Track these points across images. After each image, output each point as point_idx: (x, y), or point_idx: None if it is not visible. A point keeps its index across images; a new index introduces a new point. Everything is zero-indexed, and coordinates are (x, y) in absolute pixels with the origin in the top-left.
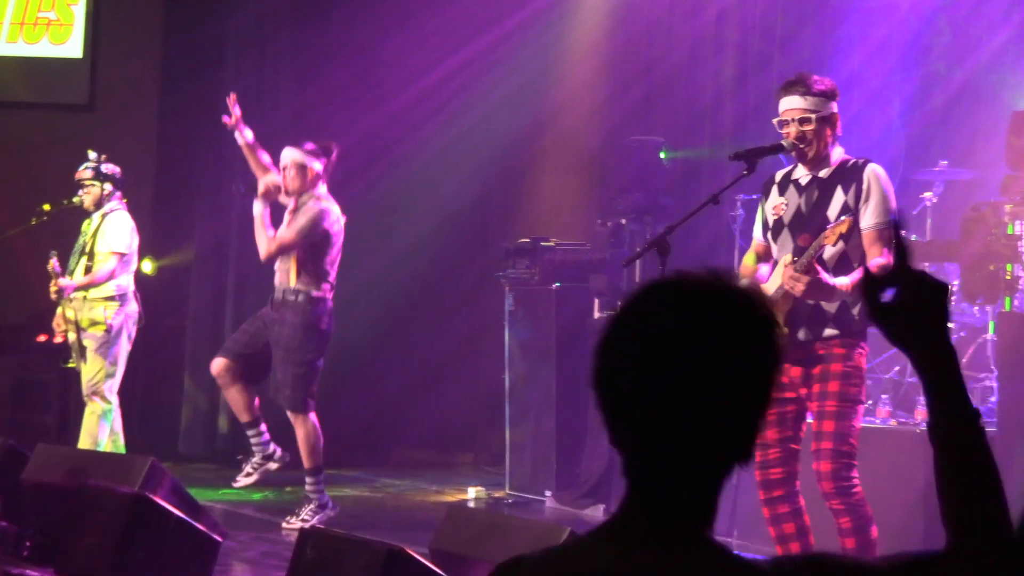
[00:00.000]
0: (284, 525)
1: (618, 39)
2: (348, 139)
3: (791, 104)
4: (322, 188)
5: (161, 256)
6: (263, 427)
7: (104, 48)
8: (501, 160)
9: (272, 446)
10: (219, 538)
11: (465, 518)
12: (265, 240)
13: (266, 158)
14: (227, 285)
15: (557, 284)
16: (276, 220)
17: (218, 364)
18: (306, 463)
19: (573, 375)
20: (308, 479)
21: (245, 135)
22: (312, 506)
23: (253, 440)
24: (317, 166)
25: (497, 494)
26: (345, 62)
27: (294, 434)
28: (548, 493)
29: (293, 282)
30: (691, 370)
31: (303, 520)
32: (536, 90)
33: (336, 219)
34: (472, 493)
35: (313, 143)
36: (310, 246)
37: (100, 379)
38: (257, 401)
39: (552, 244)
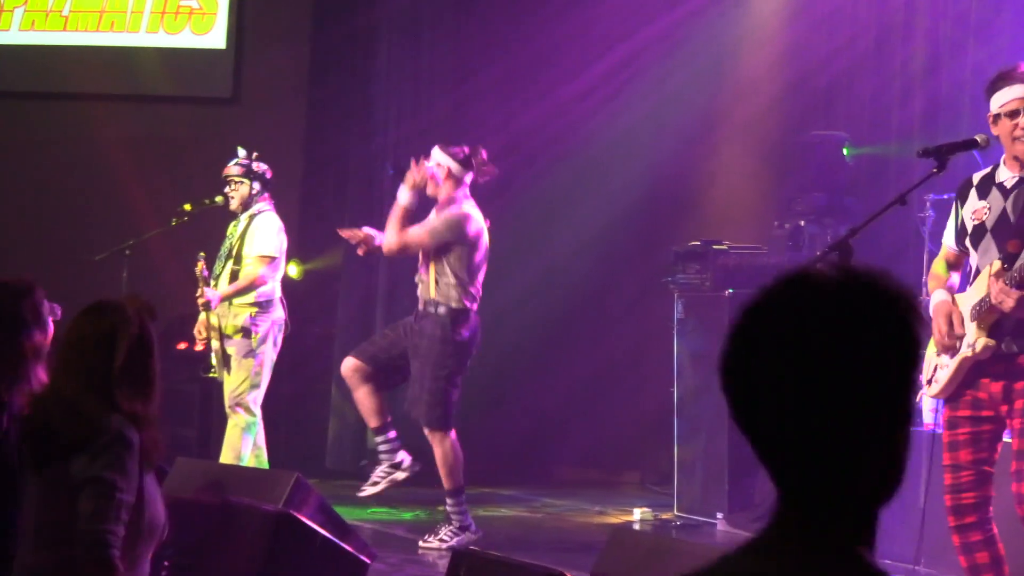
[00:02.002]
0: (421, 543)
1: (797, 27)
2: (507, 134)
3: (1014, 94)
4: (466, 198)
5: (308, 260)
6: (392, 434)
7: (249, 38)
8: (670, 158)
9: (400, 455)
10: (367, 560)
11: (630, 541)
12: (395, 232)
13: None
14: (377, 291)
15: (730, 290)
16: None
17: (348, 364)
18: (446, 484)
19: None
20: (448, 500)
21: (408, 198)
22: (453, 527)
23: (381, 447)
24: (458, 170)
25: (665, 516)
26: (505, 52)
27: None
28: (720, 515)
29: (432, 292)
30: (828, 372)
31: (441, 540)
32: (708, 83)
33: (479, 227)
34: (638, 514)
35: (461, 147)
36: (450, 255)
37: (244, 390)
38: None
39: (725, 247)
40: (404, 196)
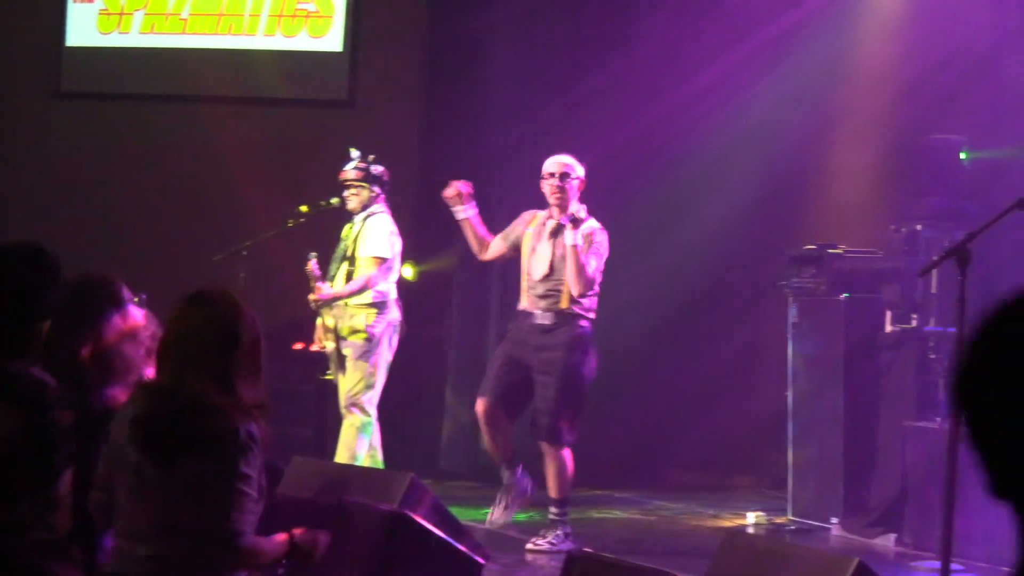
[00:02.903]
0: (529, 546)
1: (915, 29)
2: (621, 137)
3: None
4: (592, 219)
5: (423, 261)
6: (518, 469)
7: (365, 41)
8: (785, 161)
9: (523, 483)
10: (481, 560)
11: (744, 545)
12: (585, 278)
13: (482, 231)
14: (491, 293)
15: (845, 294)
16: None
17: (480, 407)
18: (554, 493)
19: (862, 393)
20: (553, 508)
21: (467, 211)
22: (560, 532)
23: (508, 481)
24: (583, 175)
25: (779, 520)
26: (620, 55)
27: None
28: (834, 520)
29: (565, 303)
30: None
31: (551, 544)
32: (825, 85)
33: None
34: (751, 518)
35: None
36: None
37: (360, 390)
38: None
39: (840, 251)
40: (464, 213)
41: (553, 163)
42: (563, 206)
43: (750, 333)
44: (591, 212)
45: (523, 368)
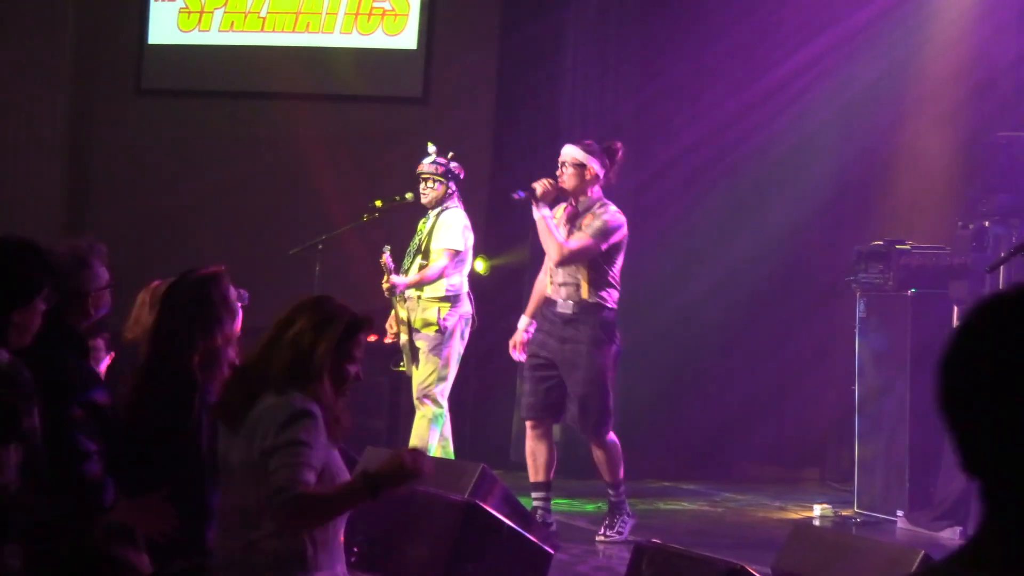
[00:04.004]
0: (599, 537)
1: (985, 26)
2: (693, 134)
3: None
4: (607, 201)
5: (495, 256)
6: (550, 493)
7: (439, 39)
8: (855, 158)
9: (552, 517)
10: (551, 550)
11: (812, 537)
12: (555, 244)
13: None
14: None
15: (913, 290)
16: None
17: (530, 424)
18: (607, 477)
19: (930, 388)
20: (610, 491)
21: (543, 210)
22: (623, 515)
23: (537, 503)
24: (596, 167)
25: (845, 512)
26: (692, 53)
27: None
28: (900, 513)
29: (585, 294)
30: None
31: (619, 532)
32: (894, 84)
33: (625, 227)
34: (818, 511)
35: (596, 143)
36: (601, 255)
37: (432, 382)
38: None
39: (908, 247)
40: (540, 212)
41: (563, 152)
42: (574, 194)
43: (819, 328)
44: (668, 205)
45: (551, 366)
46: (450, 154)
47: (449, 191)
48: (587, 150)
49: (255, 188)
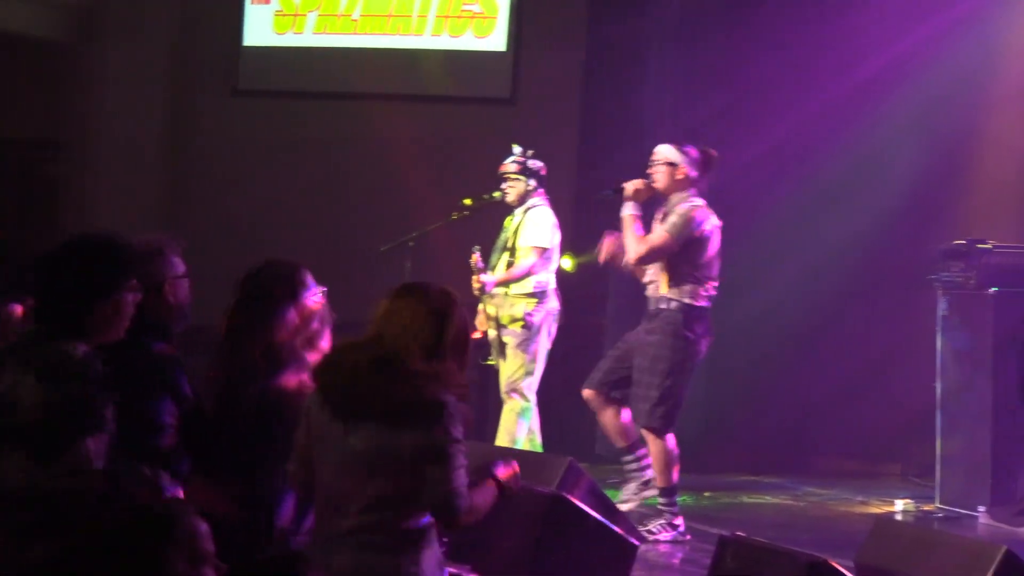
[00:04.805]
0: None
1: None
2: (776, 133)
3: None
4: (696, 196)
5: (581, 253)
6: (642, 451)
7: (527, 41)
8: (937, 157)
9: (649, 472)
10: (636, 542)
11: (893, 531)
12: (634, 241)
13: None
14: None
15: (994, 289)
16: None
17: (585, 395)
18: (658, 481)
19: (1011, 386)
20: (660, 498)
21: (629, 209)
22: (662, 521)
23: (630, 466)
24: (688, 168)
25: (926, 507)
26: (775, 53)
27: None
28: (982, 508)
29: (664, 289)
30: None
31: (649, 532)
32: (975, 84)
33: (713, 223)
34: (900, 505)
35: (694, 147)
36: (681, 251)
37: (519, 376)
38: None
39: (989, 246)
40: (628, 209)
41: (655, 150)
42: (665, 193)
43: (902, 325)
44: (752, 203)
45: (629, 353)
46: (530, 152)
47: (530, 187)
48: (680, 151)
49: (347, 186)
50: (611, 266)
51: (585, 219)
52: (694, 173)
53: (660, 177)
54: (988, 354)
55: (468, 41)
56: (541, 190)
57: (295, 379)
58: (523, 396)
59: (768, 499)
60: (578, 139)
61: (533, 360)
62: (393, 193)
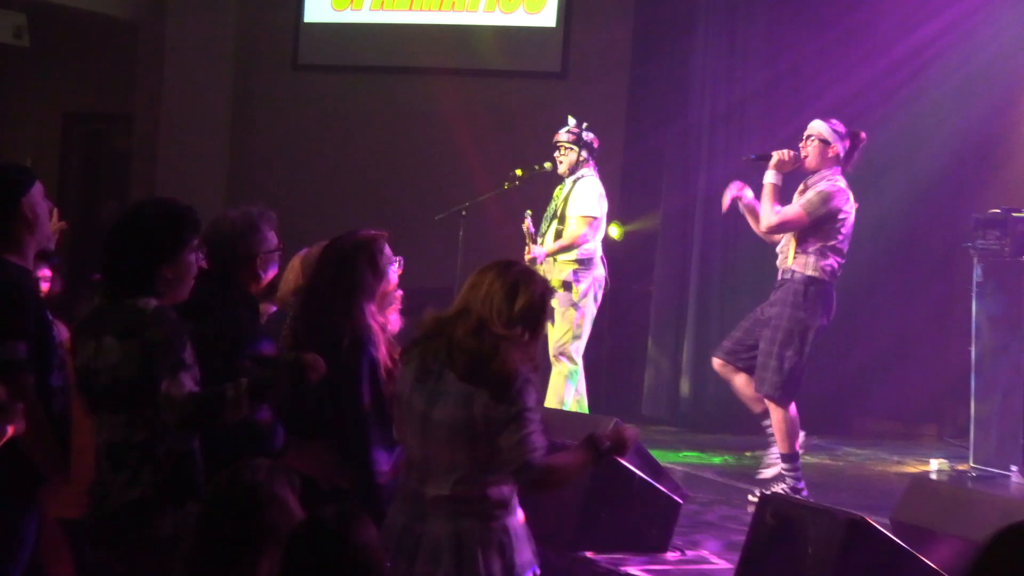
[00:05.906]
0: (751, 498)
1: None
2: (819, 107)
3: None
4: (837, 174)
5: (628, 222)
6: None
7: (577, 17)
8: (975, 128)
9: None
10: (680, 500)
11: (929, 490)
12: (769, 211)
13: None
14: (692, 251)
15: None
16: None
17: (714, 363)
18: (779, 447)
19: None
20: (783, 464)
21: (771, 177)
22: (785, 486)
23: (769, 431)
24: (840, 147)
25: (961, 467)
26: (817, 29)
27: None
28: (1014, 468)
29: (790, 261)
30: None
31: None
32: (1013, 56)
33: (849, 202)
34: (935, 465)
35: (843, 125)
36: (812, 225)
37: (567, 340)
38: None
39: None
40: (770, 177)
41: (809, 126)
42: (812, 169)
43: (938, 291)
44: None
45: (759, 323)
46: (584, 124)
47: (582, 158)
48: (834, 128)
49: (403, 157)
50: (730, 212)
51: (632, 188)
52: (839, 149)
53: (812, 152)
54: (1021, 319)
55: (520, 17)
56: (591, 161)
57: (377, 344)
58: (571, 359)
59: (808, 459)
60: (626, 112)
61: (580, 324)
62: (447, 164)
